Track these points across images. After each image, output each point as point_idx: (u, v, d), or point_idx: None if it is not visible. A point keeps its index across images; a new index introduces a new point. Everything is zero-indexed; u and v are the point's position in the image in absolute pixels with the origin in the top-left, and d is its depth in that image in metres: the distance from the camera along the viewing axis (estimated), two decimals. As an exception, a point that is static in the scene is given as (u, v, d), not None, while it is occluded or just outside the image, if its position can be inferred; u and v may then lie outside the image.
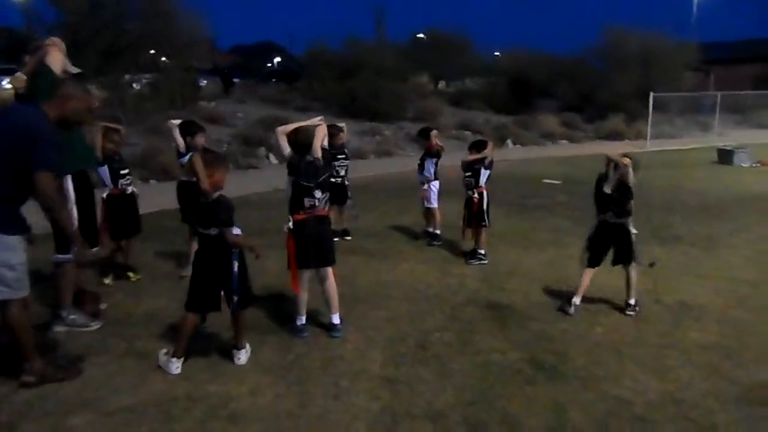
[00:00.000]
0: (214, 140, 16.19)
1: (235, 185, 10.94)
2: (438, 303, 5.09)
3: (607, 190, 4.91)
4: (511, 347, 4.23)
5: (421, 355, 4.10)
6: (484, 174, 6.15)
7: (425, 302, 5.11)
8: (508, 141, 20.19)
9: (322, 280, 4.38)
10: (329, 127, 7.04)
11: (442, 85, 35.22)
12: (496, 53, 38.77)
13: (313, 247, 4.22)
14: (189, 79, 20.49)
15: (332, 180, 6.90)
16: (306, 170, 4.16)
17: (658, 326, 4.70)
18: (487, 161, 6.14)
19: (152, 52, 19.15)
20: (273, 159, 15.67)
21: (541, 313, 4.90)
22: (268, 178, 11.69)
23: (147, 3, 17.85)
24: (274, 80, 33.84)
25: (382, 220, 8.29)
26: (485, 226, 6.20)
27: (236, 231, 3.70)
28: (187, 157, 5.32)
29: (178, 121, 5.60)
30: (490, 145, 6.24)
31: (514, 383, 3.72)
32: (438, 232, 7.03)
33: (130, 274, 5.57)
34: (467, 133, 20.91)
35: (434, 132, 7.12)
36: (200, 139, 5.43)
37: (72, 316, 4.37)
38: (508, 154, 17.80)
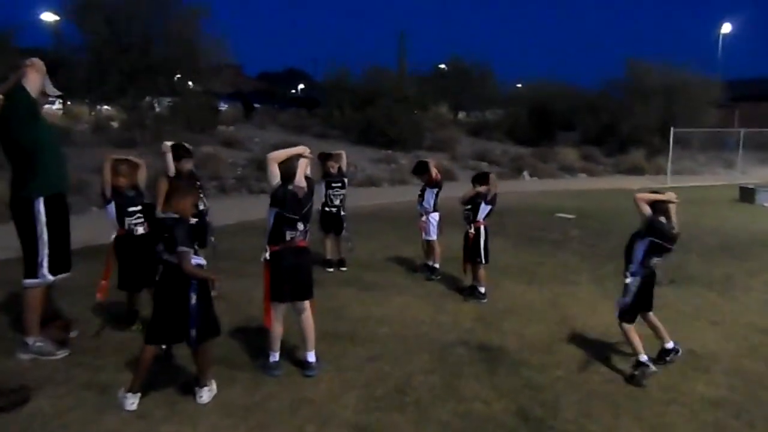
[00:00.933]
0: (229, 164, 16.22)
1: (247, 209, 10.93)
2: (427, 342, 4.79)
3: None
4: (497, 396, 3.92)
5: (399, 400, 3.81)
6: (484, 209, 5.87)
7: (413, 341, 4.82)
8: (525, 173, 19.87)
9: (298, 313, 4.14)
10: (325, 155, 6.94)
11: (462, 115, 35.11)
12: (519, 84, 38.76)
13: (288, 279, 3.99)
14: (208, 103, 20.69)
15: (327, 209, 6.79)
16: (291, 202, 3.97)
17: (663, 377, 4.34)
18: (489, 196, 5.87)
19: (176, 76, 19.33)
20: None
21: (535, 357, 4.58)
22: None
23: (170, 28, 18.07)
24: (295, 107, 34.07)
25: (383, 250, 8.04)
26: (480, 262, 5.91)
27: (197, 260, 3.49)
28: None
29: (171, 143, 5.43)
30: (491, 179, 5.96)
31: (495, 437, 3.41)
32: (437, 265, 6.75)
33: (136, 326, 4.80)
34: (483, 163, 20.69)
35: (433, 162, 6.90)
36: (187, 165, 5.28)
37: (38, 344, 4.18)
38: (524, 186, 17.50)
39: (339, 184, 6.79)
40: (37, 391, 3.64)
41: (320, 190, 6.98)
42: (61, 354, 4.20)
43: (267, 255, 4.04)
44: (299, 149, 4.14)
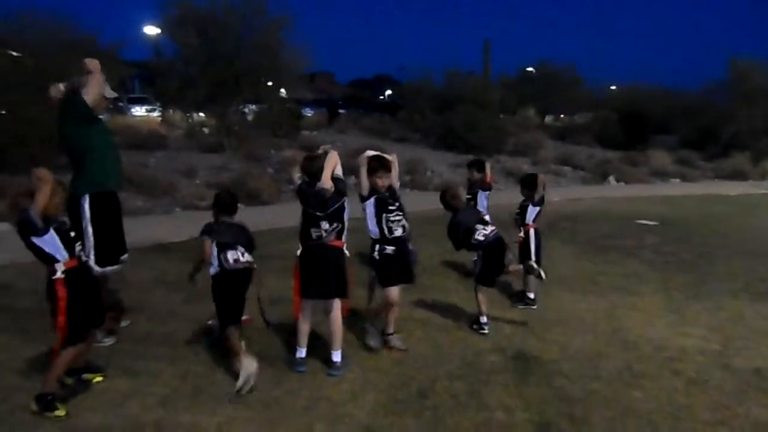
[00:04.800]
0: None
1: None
2: (460, 348, 4.66)
3: None
4: (523, 406, 3.74)
5: (419, 404, 3.73)
6: (532, 211, 5.67)
7: (447, 345, 4.71)
8: (611, 177, 18.98)
9: (326, 312, 4.16)
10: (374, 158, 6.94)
11: (549, 119, 34.15)
12: (612, 87, 37.20)
13: (315, 276, 4.03)
14: (291, 109, 21.37)
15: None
16: (314, 199, 4.01)
17: (716, 396, 3.99)
18: (536, 197, 5.66)
19: (261, 84, 20.07)
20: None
21: (574, 368, 4.33)
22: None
23: (255, 38, 18.80)
24: (379, 112, 34.43)
25: (442, 254, 7.88)
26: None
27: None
28: (369, 201, 4.34)
29: (372, 153, 4.45)
30: (539, 180, 5.74)
31: (509, 448, 3.26)
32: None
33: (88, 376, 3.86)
34: (567, 168, 19.99)
35: (489, 164, 6.74)
36: (382, 180, 4.35)
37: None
38: (608, 192, 16.72)
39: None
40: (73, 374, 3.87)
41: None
42: (108, 342, 4.45)
43: (298, 252, 4.12)
44: (321, 149, 4.17)
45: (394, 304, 4.48)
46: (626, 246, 8.86)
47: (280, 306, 5.29)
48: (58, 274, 3.37)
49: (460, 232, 4.97)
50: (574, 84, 33.28)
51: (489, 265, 4.95)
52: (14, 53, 14.13)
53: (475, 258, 5.05)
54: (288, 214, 5.66)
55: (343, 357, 4.16)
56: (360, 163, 4.35)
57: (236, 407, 3.59)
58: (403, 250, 4.44)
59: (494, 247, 4.93)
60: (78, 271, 3.51)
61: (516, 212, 5.81)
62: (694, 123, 26.63)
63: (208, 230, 4.14)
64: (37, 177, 3.34)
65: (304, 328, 4.16)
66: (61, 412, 3.37)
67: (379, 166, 4.33)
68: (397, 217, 4.36)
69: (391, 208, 4.35)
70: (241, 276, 4.09)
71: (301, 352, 4.17)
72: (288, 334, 4.61)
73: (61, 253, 3.40)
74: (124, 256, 4.67)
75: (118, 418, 3.40)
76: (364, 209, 4.41)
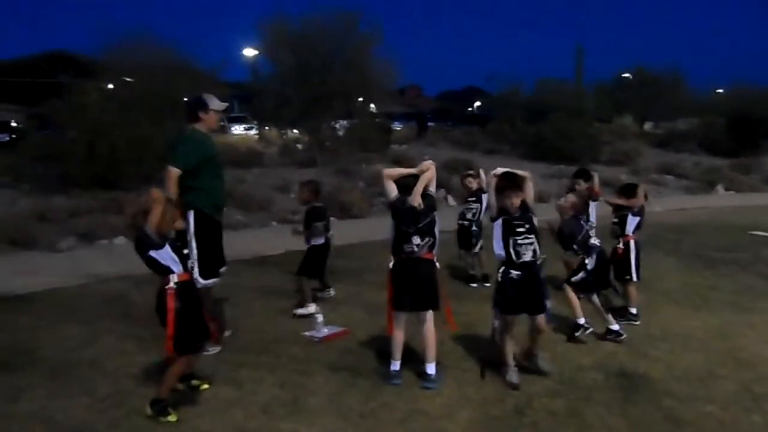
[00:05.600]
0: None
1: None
2: (560, 363, 4.49)
3: None
4: (627, 426, 3.56)
5: (516, 421, 3.64)
6: (632, 221, 5.41)
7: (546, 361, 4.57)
8: (719, 186, 17.76)
9: (420, 324, 4.16)
10: (464, 174, 6.93)
11: (648, 126, 32.53)
12: (719, 90, 34.90)
13: (408, 288, 4.06)
14: (381, 124, 21.70)
15: (459, 222, 6.75)
16: (405, 215, 4.04)
17: None
18: (636, 207, 5.41)
19: (353, 99, 20.55)
20: (451, 201, 15.71)
21: (683, 389, 4.07)
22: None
23: (346, 55, 19.29)
24: (468, 124, 34.19)
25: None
26: (629, 280, 5.43)
27: None
28: (496, 222, 4.09)
29: (501, 170, 4.19)
30: (639, 191, 5.48)
31: (614, 471, 3.10)
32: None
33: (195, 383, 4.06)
34: (669, 177, 18.92)
35: (596, 174, 6.45)
36: (513, 199, 4.07)
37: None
38: (716, 201, 15.67)
39: (473, 199, 6.69)
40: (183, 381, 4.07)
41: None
42: (213, 351, 4.66)
43: (390, 264, 4.16)
44: (416, 169, 4.18)
45: (512, 330, 4.17)
46: (738, 258, 8.24)
47: (374, 318, 5.37)
48: (171, 284, 3.58)
49: (581, 233, 5.07)
50: (675, 89, 31.54)
51: (600, 271, 5.01)
52: (127, 78, 15.37)
53: (582, 266, 5.02)
54: (379, 227, 5.75)
55: (437, 370, 4.14)
56: (488, 182, 4.24)
57: (333, 418, 3.65)
58: (532, 276, 4.06)
59: (604, 256, 5.09)
60: (189, 285, 3.71)
61: (614, 222, 5.57)
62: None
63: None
64: (152, 197, 3.57)
65: (398, 340, 4.18)
66: (173, 418, 3.57)
67: (506, 185, 4.07)
68: (527, 240, 4.00)
69: (519, 230, 4.00)
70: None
71: (396, 365, 4.19)
72: (382, 347, 4.65)
73: (177, 266, 3.61)
74: (223, 269, 4.91)
75: (223, 424, 3.55)
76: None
